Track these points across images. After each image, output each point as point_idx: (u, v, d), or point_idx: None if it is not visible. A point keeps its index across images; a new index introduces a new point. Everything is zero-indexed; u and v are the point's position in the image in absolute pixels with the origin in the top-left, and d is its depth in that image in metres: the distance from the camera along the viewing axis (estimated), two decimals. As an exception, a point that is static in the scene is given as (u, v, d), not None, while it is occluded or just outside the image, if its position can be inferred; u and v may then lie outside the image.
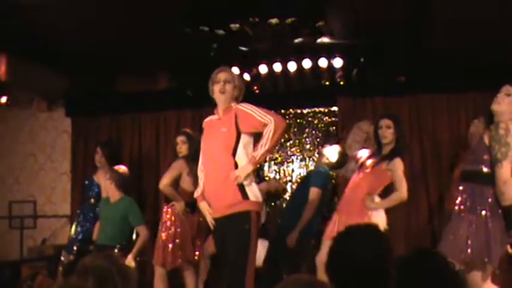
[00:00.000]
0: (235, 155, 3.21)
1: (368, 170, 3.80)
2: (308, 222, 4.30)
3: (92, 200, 5.12)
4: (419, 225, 5.15)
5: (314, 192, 4.37)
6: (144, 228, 4.56)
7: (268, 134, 3.13)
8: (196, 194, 3.41)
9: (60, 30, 4.56)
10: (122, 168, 4.80)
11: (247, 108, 3.23)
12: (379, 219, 3.73)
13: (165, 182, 4.38)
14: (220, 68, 3.42)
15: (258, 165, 3.30)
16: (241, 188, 3.18)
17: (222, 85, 3.30)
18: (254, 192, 3.23)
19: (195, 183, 4.24)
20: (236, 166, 3.20)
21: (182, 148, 4.53)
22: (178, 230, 4.40)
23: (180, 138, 4.57)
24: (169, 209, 4.49)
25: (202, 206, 3.36)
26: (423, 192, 5.04)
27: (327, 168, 4.51)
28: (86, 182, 5.28)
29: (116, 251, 4.46)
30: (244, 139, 3.23)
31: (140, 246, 4.49)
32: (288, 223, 4.43)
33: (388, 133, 3.81)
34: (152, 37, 4.78)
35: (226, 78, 3.34)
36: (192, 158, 4.38)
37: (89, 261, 2.07)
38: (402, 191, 3.74)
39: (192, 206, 4.43)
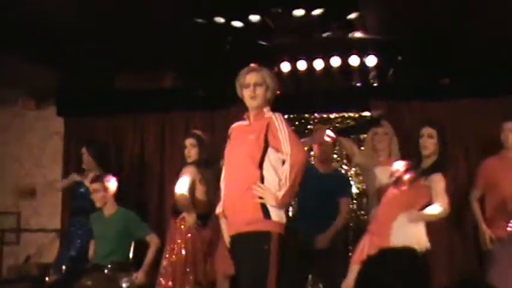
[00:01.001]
0: (262, 168, 3.34)
1: (405, 187, 3.87)
2: (338, 231, 4.62)
3: (85, 208, 5.24)
4: (464, 248, 5.30)
5: (346, 203, 4.72)
6: (155, 236, 4.79)
7: (285, 173, 3.29)
8: (218, 210, 3.54)
9: (52, 18, 4.66)
10: (110, 183, 4.92)
11: (279, 124, 3.36)
12: (419, 234, 3.77)
13: (183, 189, 4.46)
14: (249, 67, 3.53)
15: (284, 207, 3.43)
16: (264, 204, 3.30)
17: (252, 90, 3.42)
18: (278, 211, 3.33)
19: (208, 192, 4.51)
20: (262, 179, 3.32)
21: (191, 152, 4.64)
22: (190, 247, 4.54)
23: (189, 141, 4.68)
24: (180, 223, 4.62)
25: (223, 223, 3.54)
26: (469, 211, 5.05)
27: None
28: (81, 190, 5.41)
29: (106, 271, 4.66)
30: (272, 153, 3.36)
31: (152, 258, 4.70)
32: (312, 239, 4.61)
33: (429, 143, 3.89)
34: (158, 28, 4.89)
35: (257, 81, 3.45)
36: (203, 165, 4.56)
37: (85, 283, 2.15)
38: (443, 204, 3.76)
39: (203, 218, 4.60)
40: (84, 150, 5.38)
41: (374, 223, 3.95)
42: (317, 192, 4.61)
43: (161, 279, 4.55)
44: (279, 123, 3.36)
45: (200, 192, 4.58)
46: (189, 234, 4.56)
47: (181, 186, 4.48)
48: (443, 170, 3.86)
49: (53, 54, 5.38)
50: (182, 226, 4.59)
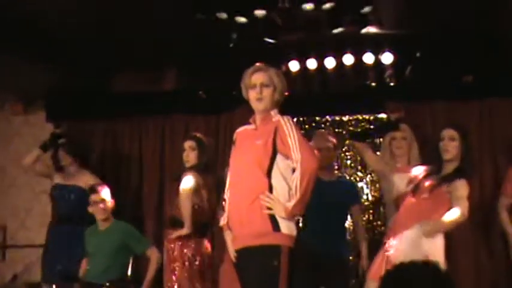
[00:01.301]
0: (271, 176, 3.35)
1: (425, 195, 3.89)
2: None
3: (73, 217, 5.26)
4: (492, 260, 5.32)
5: (359, 210, 4.92)
6: (155, 250, 4.82)
7: (295, 182, 3.30)
8: (222, 222, 3.56)
9: (47, 16, 4.70)
10: (102, 194, 4.90)
11: (288, 129, 3.38)
12: (436, 251, 3.76)
13: (188, 189, 4.45)
14: (254, 67, 3.54)
15: (295, 217, 3.45)
16: (273, 215, 3.31)
17: (258, 91, 3.44)
18: (288, 223, 3.34)
19: (209, 200, 4.59)
20: (271, 188, 3.34)
21: (190, 156, 4.65)
22: (189, 261, 4.55)
23: (189, 144, 4.70)
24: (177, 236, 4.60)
25: (228, 235, 3.55)
26: (497, 220, 5.12)
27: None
28: (59, 193, 5.46)
29: (105, 289, 4.70)
30: (280, 160, 3.37)
31: (154, 274, 4.74)
32: (329, 249, 4.68)
33: (451, 147, 3.90)
34: (157, 25, 4.94)
35: (263, 81, 3.46)
36: (203, 170, 4.60)
37: None
38: (461, 208, 3.74)
39: (203, 228, 4.65)
40: (60, 152, 5.54)
41: (391, 235, 3.94)
42: (323, 203, 4.55)
43: None
44: (288, 127, 3.37)
45: (202, 200, 4.60)
46: (187, 248, 4.57)
47: (187, 182, 4.48)
48: (467, 176, 3.85)
49: (46, 54, 5.40)
50: (179, 240, 4.60)
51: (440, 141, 3.93)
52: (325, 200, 4.57)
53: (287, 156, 3.36)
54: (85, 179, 5.41)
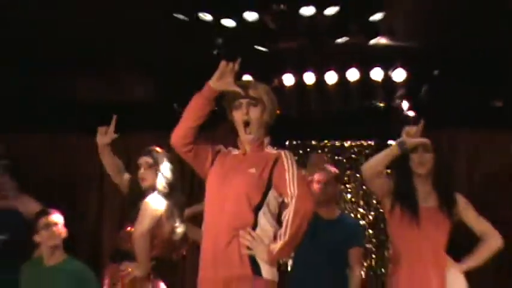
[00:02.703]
0: (258, 212, 3.42)
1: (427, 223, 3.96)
2: None
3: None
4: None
5: (357, 254, 4.86)
6: None
7: (287, 218, 3.37)
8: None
9: None
10: (54, 217, 4.78)
11: (288, 163, 3.47)
12: None
13: (144, 228, 4.37)
14: (241, 82, 3.57)
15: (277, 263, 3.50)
16: (253, 257, 3.36)
17: (244, 111, 3.50)
18: (269, 267, 3.40)
19: (172, 232, 4.53)
20: (255, 225, 3.41)
21: (147, 175, 4.61)
22: None
23: (145, 159, 4.64)
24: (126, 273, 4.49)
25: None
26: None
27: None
28: None
29: None
30: (272, 196, 3.47)
31: None
32: None
33: (426, 159, 3.96)
34: (126, 24, 5.05)
35: (250, 100, 3.51)
36: (166, 193, 4.55)
37: None
38: (494, 233, 3.94)
39: (159, 265, 4.58)
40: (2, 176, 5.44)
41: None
42: (320, 246, 4.66)
43: None
44: (289, 163, 3.47)
45: (164, 232, 4.53)
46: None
47: (142, 224, 4.40)
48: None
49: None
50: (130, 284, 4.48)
51: (412, 153, 3.94)
52: (319, 243, 4.65)
53: (280, 194, 3.47)
54: (25, 202, 5.40)
